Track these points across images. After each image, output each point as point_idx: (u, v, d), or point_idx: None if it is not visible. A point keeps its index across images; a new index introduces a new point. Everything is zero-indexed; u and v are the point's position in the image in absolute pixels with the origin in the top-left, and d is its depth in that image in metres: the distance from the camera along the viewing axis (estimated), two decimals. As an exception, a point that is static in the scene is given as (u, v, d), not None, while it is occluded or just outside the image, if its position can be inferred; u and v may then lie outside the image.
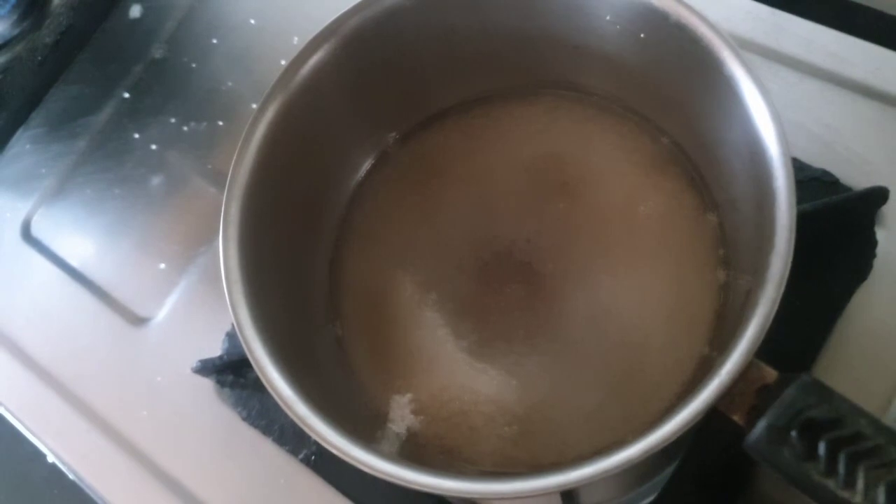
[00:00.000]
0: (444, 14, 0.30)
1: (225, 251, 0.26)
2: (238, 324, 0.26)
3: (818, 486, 0.20)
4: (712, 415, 0.23)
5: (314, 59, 0.28)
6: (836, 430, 0.20)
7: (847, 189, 0.34)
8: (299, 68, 0.28)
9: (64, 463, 0.40)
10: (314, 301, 0.32)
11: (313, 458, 0.36)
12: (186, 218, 0.43)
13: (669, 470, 0.32)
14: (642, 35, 0.28)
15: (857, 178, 0.35)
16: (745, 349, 0.22)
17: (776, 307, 0.22)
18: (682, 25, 0.26)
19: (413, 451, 0.30)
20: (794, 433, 0.21)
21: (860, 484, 0.20)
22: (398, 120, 0.34)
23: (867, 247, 0.33)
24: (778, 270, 0.23)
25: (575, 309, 0.31)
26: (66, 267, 0.44)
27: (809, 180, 0.34)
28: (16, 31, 0.48)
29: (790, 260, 0.23)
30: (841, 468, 0.20)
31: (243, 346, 0.26)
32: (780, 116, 0.24)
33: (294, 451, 0.37)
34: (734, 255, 0.29)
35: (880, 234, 0.34)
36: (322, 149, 0.31)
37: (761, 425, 0.21)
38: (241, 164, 0.27)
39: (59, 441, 0.40)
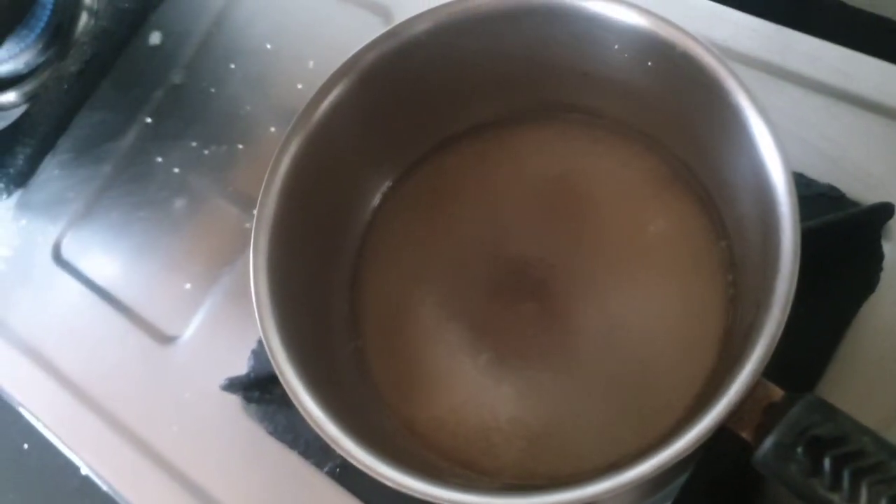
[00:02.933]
0: (457, 44, 0.31)
1: (256, 280, 0.28)
2: (270, 348, 0.27)
3: (823, 500, 0.21)
4: (721, 431, 0.24)
5: (333, 95, 0.29)
6: (840, 447, 0.21)
7: (854, 204, 0.35)
8: (319, 103, 0.29)
9: (97, 475, 0.42)
10: (337, 322, 0.33)
11: (338, 470, 0.38)
12: (209, 239, 0.44)
13: (682, 479, 0.33)
14: (650, 63, 0.29)
15: (863, 192, 0.36)
16: (751, 370, 0.23)
17: (781, 329, 0.23)
18: (688, 55, 0.27)
19: (435, 466, 0.31)
20: (800, 450, 0.22)
21: (863, 498, 0.21)
22: (413, 146, 0.35)
23: (874, 261, 0.34)
24: (783, 294, 0.24)
25: (588, 326, 0.33)
26: (95, 288, 0.45)
27: (816, 196, 0.35)
28: (41, 60, 0.50)
29: (795, 284, 0.24)
30: (845, 483, 0.21)
31: (275, 369, 0.27)
32: (784, 143, 0.25)
33: (319, 464, 0.38)
34: (742, 274, 0.30)
35: (887, 248, 0.34)
36: (341, 177, 0.33)
37: (769, 442, 0.22)
38: (268, 196, 0.29)
39: (92, 454, 0.42)
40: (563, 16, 0.29)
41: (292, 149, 0.29)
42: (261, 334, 0.27)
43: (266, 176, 0.29)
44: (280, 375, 0.27)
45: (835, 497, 0.21)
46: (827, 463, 0.21)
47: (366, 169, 0.34)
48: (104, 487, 0.41)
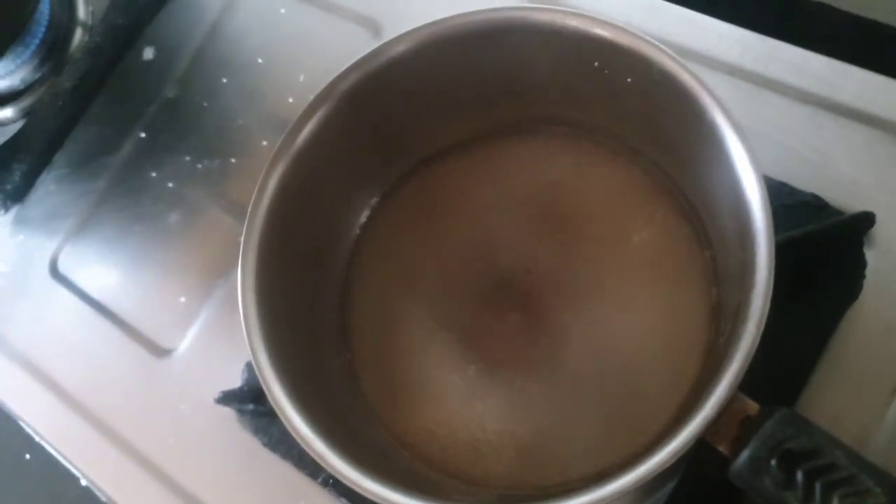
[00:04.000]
0: (439, 62, 0.32)
1: (244, 297, 0.28)
2: (258, 365, 0.28)
3: (797, 512, 0.22)
4: (700, 444, 0.24)
5: (318, 115, 0.30)
6: (812, 460, 0.22)
7: (837, 212, 0.36)
8: (304, 124, 0.30)
9: (95, 486, 0.42)
10: (326, 336, 0.34)
11: (331, 480, 0.38)
12: (203, 252, 0.45)
13: (671, 485, 0.34)
14: (629, 80, 0.30)
15: (847, 200, 0.36)
16: (727, 384, 0.24)
17: (756, 344, 0.24)
18: (665, 73, 0.28)
19: (425, 477, 0.32)
20: (773, 463, 0.22)
21: (835, 510, 0.21)
22: (399, 162, 0.36)
23: (857, 269, 0.34)
24: (758, 308, 0.24)
25: (574, 336, 0.33)
26: (91, 301, 0.46)
27: (799, 204, 0.36)
28: (37, 76, 0.50)
29: (769, 299, 0.24)
30: (817, 496, 0.22)
31: (263, 385, 0.28)
32: (765, 154, 0.26)
33: (313, 475, 0.38)
34: (724, 285, 0.31)
35: (870, 256, 0.35)
36: (329, 194, 0.33)
37: (744, 456, 0.23)
38: (256, 215, 0.29)
39: (89, 466, 0.42)
40: (543, 34, 0.30)
41: (279, 169, 0.30)
42: (249, 352, 0.28)
43: (253, 196, 0.29)
44: (267, 392, 0.27)
45: (807, 509, 0.21)
46: (800, 476, 0.22)
47: (353, 185, 0.35)
48: (103, 498, 0.42)
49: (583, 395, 0.32)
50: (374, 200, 0.36)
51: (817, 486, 0.21)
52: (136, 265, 0.46)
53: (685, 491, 0.32)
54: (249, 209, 0.29)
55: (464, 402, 0.33)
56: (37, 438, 0.44)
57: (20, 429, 0.45)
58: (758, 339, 0.24)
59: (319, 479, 0.38)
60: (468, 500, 0.32)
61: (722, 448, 0.24)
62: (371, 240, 0.36)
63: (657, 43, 0.28)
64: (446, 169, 0.36)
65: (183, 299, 0.44)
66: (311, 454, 0.26)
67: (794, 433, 0.22)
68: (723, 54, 0.40)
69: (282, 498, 0.39)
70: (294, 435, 0.27)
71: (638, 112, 0.31)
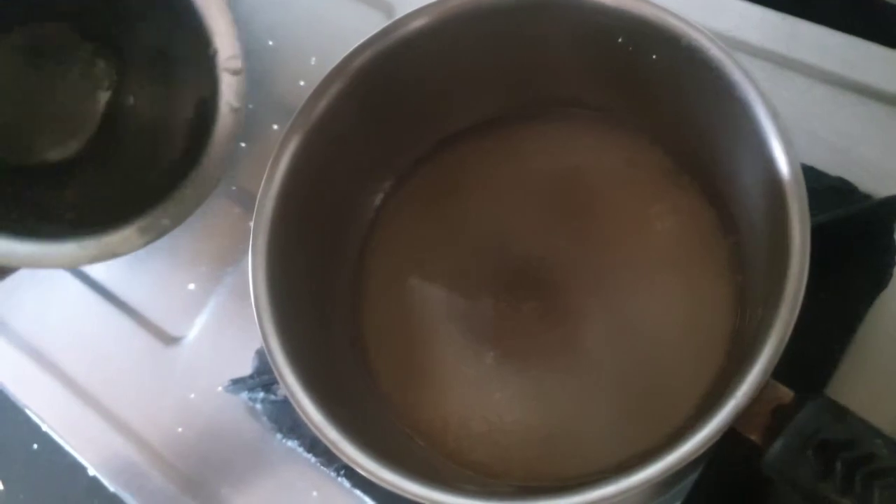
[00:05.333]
0: (455, 40, 0.31)
1: (255, 282, 0.28)
2: (270, 351, 0.27)
3: (835, 504, 0.21)
4: (730, 433, 0.23)
5: (330, 94, 0.29)
6: (851, 450, 0.21)
7: (865, 196, 0.34)
8: (316, 103, 0.29)
9: (102, 475, 0.42)
10: (339, 323, 0.33)
11: (344, 470, 0.37)
12: (213, 239, 0.44)
13: (693, 477, 0.33)
14: (654, 56, 0.29)
15: (874, 184, 0.35)
16: (760, 371, 0.23)
17: (790, 329, 0.23)
18: (693, 48, 0.27)
19: (439, 468, 0.31)
20: (810, 453, 0.21)
21: (876, 503, 0.20)
22: (414, 144, 0.35)
23: (886, 255, 0.33)
24: (792, 292, 0.23)
25: (592, 325, 0.32)
26: (99, 288, 0.45)
27: (826, 189, 0.35)
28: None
29: (804, 282, 0.23)
30: (857, 488, 0.21)
31: (275, 372, 0.27)
32: (792, 136, 0.25)
33: (325, 463, 0.38)
34: (750, 271, 0.30)
35: (899, 241, 0.34)
36: (341, 176, 0.32)
37: (778, 445, 0.22)
38: (267, 197, 0.28)
39: (97, 455, 0.42)
40: (563, 8, 0.28)
41: (290, 149, 0.29)
42: (260, 336, 0.27)
43: (264, 177, 0.28)
44: (280, 379, 0.26)
45: (846, 501, 0.21)
46: (838, 466, 0.21)
47: (366, 167, 0.34)
48: (111, 489, 0.41)
49: (602, 384, 0.32)
50: (387, 184, 0.35)
51: (857, 477, 0.20)
52: (144, 251, 0.44)
53: (709, 483, 0.31)
54: (260, 191, 0.28)
55: (480, 392, 0.32)
56: (44, 428, 0.44)
57: (27, 418, 0.44)
58: (792, 324, 0.23)
59: (333, 468, 0.37)
60: (484, 491, 0.31)
61: (753, 437, 0.23)
62: (384, 224, 0.35)
63: (684, 17, 0.27)
64: (462, 153, 0.35)
65: (192, 286, 0.43)
66: (325, 441, 0.25)
67: (831, 422, 0.21)
68: (743, 34, 0.39)
69: (293, 488, 0.38)
70: (307, 422, 0.26)
71: (662, 92, 0.30)
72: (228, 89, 0.24)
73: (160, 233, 0.24)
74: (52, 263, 0.24)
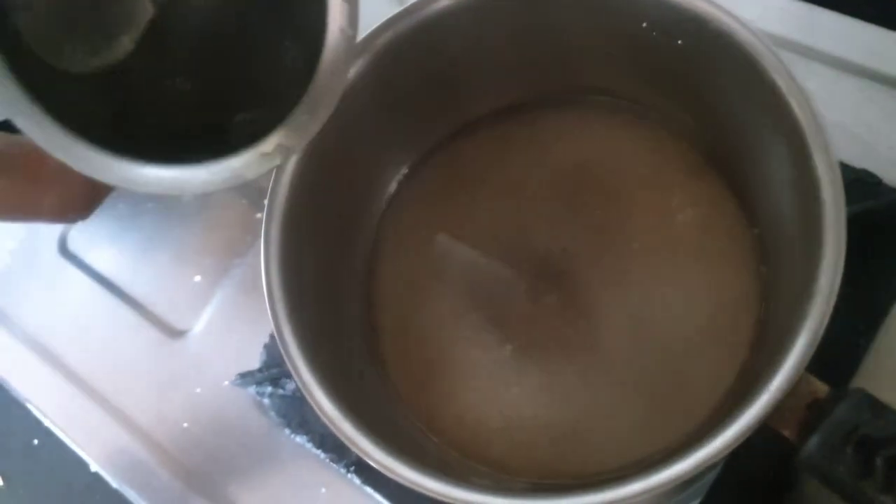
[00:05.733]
0: (476, 24, 0.30)
1: (267, 272, 0.27)
2: (282, 343, 0.26)
3: (874, 503, 0.20)
4: (761, 429, 0.22)
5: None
6: (892, 446, 0.20)
7: (891, 189, 0.34)
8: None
9: (106, 471, 0.41)
10: (351, 315, 0.32)
11: (353, 466, 0.37)
12: (219, 231, 0.43)
13: (712, 475, 0.32)
14: (679, 42, 0.28)
15: (900, 177, 0.34)
16: (794, 363, 0.22)
17: (826, 321, 0.22)
18: (722, 32, 0.26)
19: (454, 464, 0.30)
20: (849, 450, 0.20)
21: (919, 501, 0.20)
22: (429, 131, 0.34)
23: (912, 248, 0.32)
24: (827, 283, 0.22)
25: (612, 318, 0.31)
26: (103, 281, 0.44)
27: (852, 181, 0.34)
28: None
29: (840, 273, 0.22)
30: (899, 486, 0.20)
31: (287, 364, 0.26)
32: (824, 124, 0.24)
33: (335, 459, 0.37)
34: (776, 263, 0.29)
35: (925, 235, 0.33)
36: (355, 163, 0.31)
37: (814, 441, 0.21)
38: (279, 184, 0.27)
39: (100, 451, 0.41)
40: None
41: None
42: (273, 328, 0.26)
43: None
44: (293, 371, 0.26)
45: (888, 500, 0.20)
46: (879, 463, 0.20)
47: (380, 155, 0.33)
48: (114, 485, 0.41)
49: (621, 381, 0.31)
50: (402, 172, 0.34)
51: (899, 475, 0.20)
52: (149, 243, 0.44)
53: (730, 480, 0.31)
54: (272, 178, 0.28)
55: (496, 387, 0.31)
56: (45, 423, 0.43)
57: (28, 413, 0.43)
58: (828, 315, 0.22)
59: (342, 463, 0.37)
60: (500, 488, 0.30)
61: (787, 433, 0.22)
62: (398, 214, 0.34)
63: (712, 1, 0.26)
64: (479, 141, 0.34)
65: (198, 279, 0.42)
66: (339, 435, 0.25)
67: (870, 417, 0.20)
68: (766, 24, 0.38)
69: (302, 484, 0.37)
70: (321, 415, 0.25)
71: (686, 80, 0.30)
72: (338, 11, 0.23)
73: (285, 154, 0.24)
74: (188, 189, 0.24)
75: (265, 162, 0.25)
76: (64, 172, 0.23)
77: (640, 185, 0.32)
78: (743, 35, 0.25)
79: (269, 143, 0.25)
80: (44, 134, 0.23)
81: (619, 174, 0.33)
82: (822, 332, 0.22)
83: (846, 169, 0.34)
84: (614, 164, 0.33)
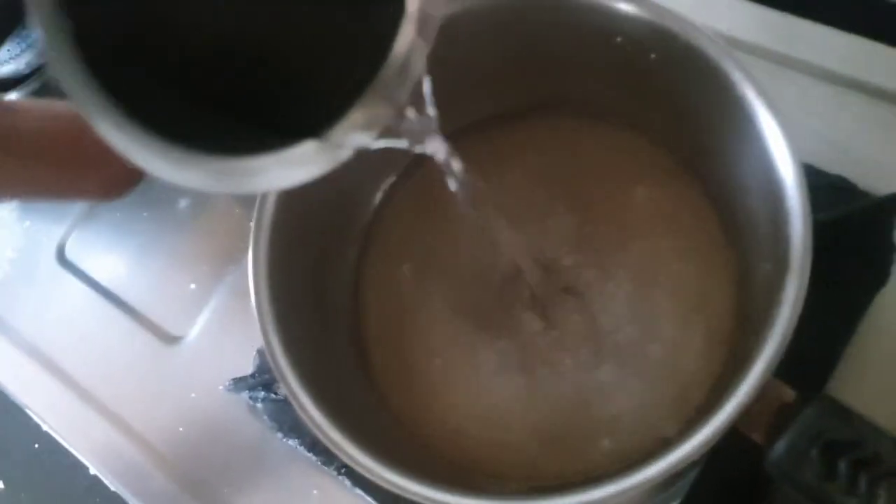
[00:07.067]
0: (456, 37, 0.30)
1: (255, 282, 0.28)
2: (271, 351, 0.27)
3: (838, 505, 0.21)
4: (732, 432, 0.23)
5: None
6: (856, 450, 0.21)
7: (864, 194, 0.34)
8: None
9: (105, 475, 0.42)
10: (339, 324, 0.33)
11: (345, 469, 0.37)
12: (214, 238, 0.44)
13: (692, 475, 0.33)
14: (653, 56, 0.29)
15: (874, 182, 0.35)
16: (761, 370, 0.23)
17: (792, 328, 0.23)
18: (692, 46, 0.27)
19: (441, 468, 0.31)
20: (814, 453, 0.21)
21: (881, 503, 0.20)
22: (416, 141, 0.35)
23: (886, 252, 0.33)
24: (793, 291, 0.23)
25: (596, 323, 0.32)
26: (100, 288, 0.45)
27: (826, 187, 0.34)
28: (42, 60, 0.49)
29: (806, 281, 0.23)
30: (862, 489, 0.21)
31: (275, 372, 0.27)
32: (792, 134, 0.25)
33: (327, 463, 0.38)
34: (753, 269, 0.30)
35: (899, 239, 0.34)
36: (342, 174, 0.32)
37: (781, 445, 0.22)
38: (267, 196, 0.28)
39: (97, 455, 0.42)
40: (562, 8, 0.28)
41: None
42: (261, 337, 0.27)
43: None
44: (281, 378, 0.26)
45: (852, 501, 0.21)
46: (843, 467, 0.21)
47: (368, 163, 0.34)
48: (112, 488, 0.41)
49: (606, 384, 0.31)
50: (388, 182, 0.35)
51: (862, 478, 0.20)
52: (145, 251, 0.45)
53: (708, 481, 0.31)
54: (261, 190, 0.28)
55: (481, 391, 0.32)
56: (45, 427, 0.44)
57: (28, 418, 0.44)
58: (794, 323, 0.23)
59: (333, 467, 0.37)
60: (486, 491, 0.31)
61: (756, 437, 0.23)
62: (385, 224, 0.35)
63: (682, 16, 0.27)
64: (463, 150, 0.35)
65: (193, 286, 0.43)
66: (325, 441, 0.25)
67: (835, 422, 0.21)
68: (743, 33, 0.39)
69: (294, 486, 0.38)
70: (307, 421, 0.26)
71: (661, 91, 0.30)
72: None
73: (378, 124, 0.22)
74: (290, 178, 0.22)
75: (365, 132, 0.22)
76: (106, 152, 0.19)
77: (622, 192, 0.33)
78: (711, 49, 0.26)
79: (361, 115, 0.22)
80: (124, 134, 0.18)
81: (603, 182, 0.34)
82: (788, 338, 0.23)
83: (821, 175, 0.35)
84: (598, 172, 0.34)
